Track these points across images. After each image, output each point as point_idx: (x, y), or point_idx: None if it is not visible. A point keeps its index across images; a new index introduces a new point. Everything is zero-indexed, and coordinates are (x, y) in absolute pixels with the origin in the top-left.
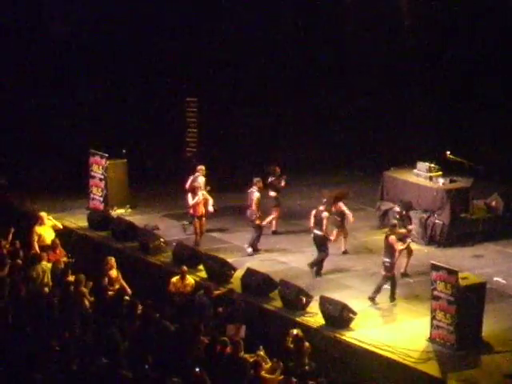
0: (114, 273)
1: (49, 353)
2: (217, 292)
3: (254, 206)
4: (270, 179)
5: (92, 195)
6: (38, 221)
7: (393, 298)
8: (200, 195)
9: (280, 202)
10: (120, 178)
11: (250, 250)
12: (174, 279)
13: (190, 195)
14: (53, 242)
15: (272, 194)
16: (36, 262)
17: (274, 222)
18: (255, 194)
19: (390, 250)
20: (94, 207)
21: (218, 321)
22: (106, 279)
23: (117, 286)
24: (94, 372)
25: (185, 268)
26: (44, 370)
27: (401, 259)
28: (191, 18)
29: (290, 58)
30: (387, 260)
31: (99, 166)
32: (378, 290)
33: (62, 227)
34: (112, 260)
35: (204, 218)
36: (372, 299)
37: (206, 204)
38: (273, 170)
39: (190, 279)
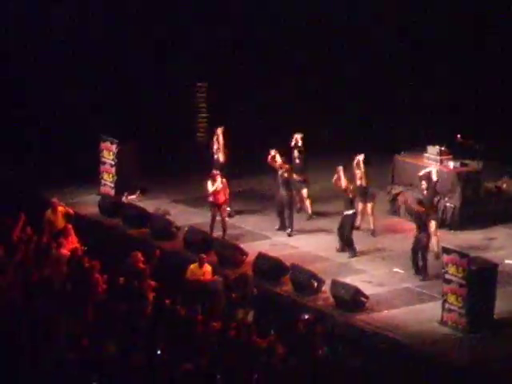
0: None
1: (61, 338)
2: (232, 277)
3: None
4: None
5: (103, 181)
6: (50, 207)
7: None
8: (219, 182)
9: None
10: (131, 164)
11: (289, 230)
12: (192, 266)
13: (209, 182)
14: (65, 228)
15: (295, 176)
16: (48, 248)
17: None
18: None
19: None
20: (105, 193)
21: (230, 306)
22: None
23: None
24: (107, 358)
25: (203, 255)
26: (54, 355)
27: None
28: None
29: (301, 39)
30: None
31: (110, 152)
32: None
33: (72, 213)
34: (138, 255)
35: (224, 206)
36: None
37: (225, 191)
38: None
39: (208, 266)
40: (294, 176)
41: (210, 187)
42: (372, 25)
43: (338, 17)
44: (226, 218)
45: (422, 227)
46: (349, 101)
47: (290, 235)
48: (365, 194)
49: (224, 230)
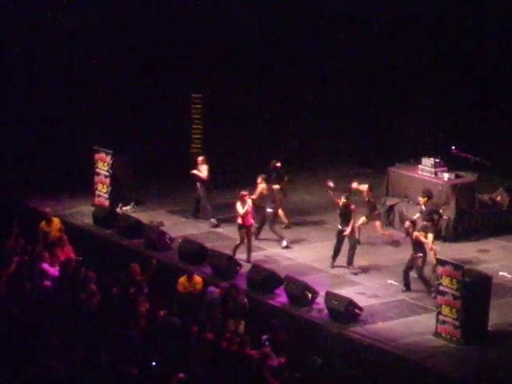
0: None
1: (53, 349)
2: (220, 288)
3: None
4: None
5: (97, 192)
6: (44, 218)
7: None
8: (249, 203)
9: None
10: (125, 175)
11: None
12: (182, 279)
13: (238, 204)
14: (60, 238)
15: (275, 186)
16: (41, 259)
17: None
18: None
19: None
20: (100, 204)
21: (223, 317)
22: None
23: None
24: (101, 369)
25: (191, 268)
26: (47, 366)
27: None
28: (195, 13)
29: (294, 51)
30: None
31: (104, 163)
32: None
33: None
34: (136, 267)
35: (251, 228)
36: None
37: (252, 213)
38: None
39: (198, 278)
40: (274, 187)
41: (241, 209)
42: (362, 40)
43: (332, 31)
44: (252, 241)
45: (417, 247)
46: (343, 113)
47: (288, 246)
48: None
49: (249, 251)
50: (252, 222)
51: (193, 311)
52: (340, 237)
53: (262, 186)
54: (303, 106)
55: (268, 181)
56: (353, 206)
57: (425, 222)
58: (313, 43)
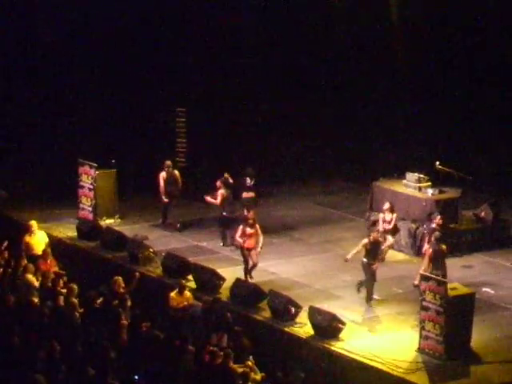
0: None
1: (36, 364)
2: (204, 301)
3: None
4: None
5: (81, 205)
6: (28, 230)
7: None
8: (257, 228)
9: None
10: (109, 188)
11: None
12: (173, 294)
13: (241, 227)
14: (44, 251)
15: (244, 194)
16: (24, 271)
17: None
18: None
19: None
20: (83, 217)
21: (206, 331)
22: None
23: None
24: (83, 383)
25: (183, 282)
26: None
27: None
28: (180, 28)
29: (279, 65)
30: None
31: (88, 176)
32: None
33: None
34: (120, 280)
35: (254, 251)
36: None
37: (257, 237)
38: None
39: (188, 292)
40: (244, 194)
41: (248, 231)
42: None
43: (313, 46)
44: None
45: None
46: (328, 127)
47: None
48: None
49: (250, 271)
50: (254, 244)
51: (178, 325)
52: (369, 270)
53: (221, 192)
54: (287, 120)
55: (228, 186)
56: (381, 241)
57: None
58: (297, 58)
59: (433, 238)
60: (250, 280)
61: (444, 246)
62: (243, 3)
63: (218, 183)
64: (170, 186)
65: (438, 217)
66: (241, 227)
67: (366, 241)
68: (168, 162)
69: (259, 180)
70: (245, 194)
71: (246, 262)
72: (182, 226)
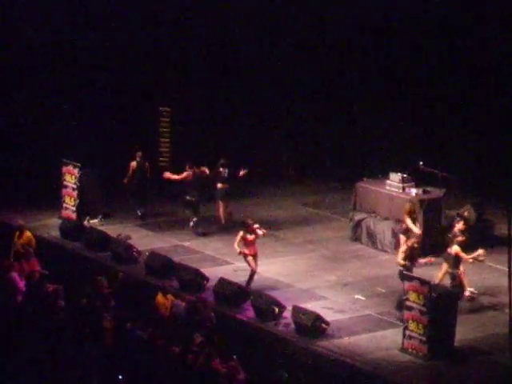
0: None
1: (20, 364)
2: (188, 301)
3: None
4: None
5: (64, 205)
6: (17, 229)
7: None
8: (260, 233)
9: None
10: (93, 188)
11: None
12: (160, 298)
13: (242, 232)
14: (26, 251)
15: (219, 185)
16: (7, 271)
17: (221, 215)
18: None
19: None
20: (67, 217)
21: (189, 330)
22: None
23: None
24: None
25: (166, 283)
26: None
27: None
28: (166, 26)
29: (263, 64)
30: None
31: (72, 176)
32: None
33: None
34: (102, 280)
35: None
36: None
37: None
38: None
39: (170, 295)
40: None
41: (239, 237)
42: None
43: (296, 43)
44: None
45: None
46: (311, 128)
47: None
48: None
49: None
50: (257, 250)
51: (159, 324)
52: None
53: (187, 173)
54: (272, 121)
55: (197, 173)
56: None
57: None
58: (280, 56)
59: (455, 242)
60: (248, 288)
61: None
62: None
63: (187, 167)
64: (138, 175)
65: (461, 222)
66: (240, 234)
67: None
68: (139, 153)
69: (235, 171)
70: (219, 185)
71: (251, 268)
72: (144, 214)
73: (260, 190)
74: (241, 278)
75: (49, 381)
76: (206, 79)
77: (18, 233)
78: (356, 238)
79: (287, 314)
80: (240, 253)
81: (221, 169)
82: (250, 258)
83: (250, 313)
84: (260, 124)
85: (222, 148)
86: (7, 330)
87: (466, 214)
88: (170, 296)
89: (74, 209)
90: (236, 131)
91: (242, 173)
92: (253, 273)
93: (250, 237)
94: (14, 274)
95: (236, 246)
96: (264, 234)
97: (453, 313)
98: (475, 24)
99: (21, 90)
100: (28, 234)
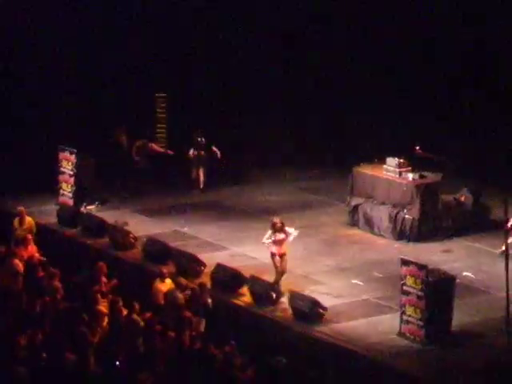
0: (105, 280)
1: (16, 349)
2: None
3: None
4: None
5: (61, 191)
6: (17, 215)
7: None
8: (288, 231)
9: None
10: (89, 174)
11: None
12: (158, 283)
13: (270, 232)
14: (25, 237)
15: (195, 152)
16: (8, 257)
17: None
18: None
19: None
20: (64, 203)
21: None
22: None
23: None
24: (63, 369)
25: (164, 270)
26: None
27: None
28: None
29: (256, 50)
30: None
31: (68, 162)
32: None
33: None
34: (104, 266)
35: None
36: None
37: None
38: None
39: (168, 279)
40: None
41: (265, 238)
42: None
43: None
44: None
45: None
46: (309, 113)
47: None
48: None
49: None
50: (285, 250)
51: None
52: None
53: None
54: (269, 106)
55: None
56: None
57: None
58: (271, 42)
59: None
60: (279, 287)
61: None
62: None
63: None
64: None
65: None
66: (269, 233)
67: None
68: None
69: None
70: (192, 152)
71: (276, 268)
72: (128, 195)
73: (257, 175)
74: (238, 263)
75: (48, 367)
76: (204, 65)
77: (18, 219)
78: (353, 223)
79: (285, 299)
80: (272, 252)
81: (197, 137)
82: (277, 259)
83: (247, 298)
84: (257, 110)
85: (218, 135)
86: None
87: (462, 198)
88: (168, 281)
89: (71, 195)
90: (232, 118)
91: (214, 149)
92: (279, 273)
93: (279, 236)
94: (16, 260)
95: (264, 240)
96: (288, 235)
97: (450, 297)
98: None
99: (18, 76)
100: (29, 219)
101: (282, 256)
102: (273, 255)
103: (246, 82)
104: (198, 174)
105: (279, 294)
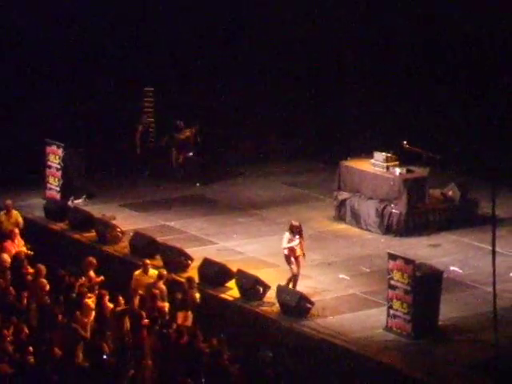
0: (93, 274)
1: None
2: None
3: None
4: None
5: (48, 185)
6: (4, 209)
7: None
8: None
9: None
10: (76, 168)
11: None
12: (137, 273)
13: (287, 234)
14: (11, 231)
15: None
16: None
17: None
18: None
19: None
20: (51, 197)
21: (170, 309)
22: (84, 279)
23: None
24: (50, 364)
25: (147, 261)
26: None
27: None
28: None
29: (248, 47)
30: None
31: (56, 156)
32: None
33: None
34: (94, 260)
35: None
36: None
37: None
38: (177, 125)
39: (153, 271)
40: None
41: (285, 242)
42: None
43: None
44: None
45: None
46: (294, 107)
47: None
48: None
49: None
50: (301, 253)
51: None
52: None
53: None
54: (256, 102)
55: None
56: None
57: None
58: (263, 39)
59: None
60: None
61: None
62: None
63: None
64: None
65: None
66: (287, 235)
67: None
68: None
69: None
70: (177, 135)
71: (291, 270)
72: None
73: (245, 169)
74: (225, 258)
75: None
76: (191, 58)
77: (4, 212)
78: (340, 218)
79: (271, 293)
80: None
81: (176, 120)
82: (292, 261)
83: (234, 292)
84: (246, 104)
85: (207, 127)
86: None
87: (450, 193)
88: (152, 273)
89: (58, 189)
90: (223, 111)
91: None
92: (293, 276)
93: (296, 239)
94: (4, 255)
95: (284, 245)
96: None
97: (437, 292)
98: None
99: (5, 68)
100: (15, 213)
101: (296, 258)
102: (287, 257)
103: (234, 76)
104: (177, 157)
105: (266, 289)
